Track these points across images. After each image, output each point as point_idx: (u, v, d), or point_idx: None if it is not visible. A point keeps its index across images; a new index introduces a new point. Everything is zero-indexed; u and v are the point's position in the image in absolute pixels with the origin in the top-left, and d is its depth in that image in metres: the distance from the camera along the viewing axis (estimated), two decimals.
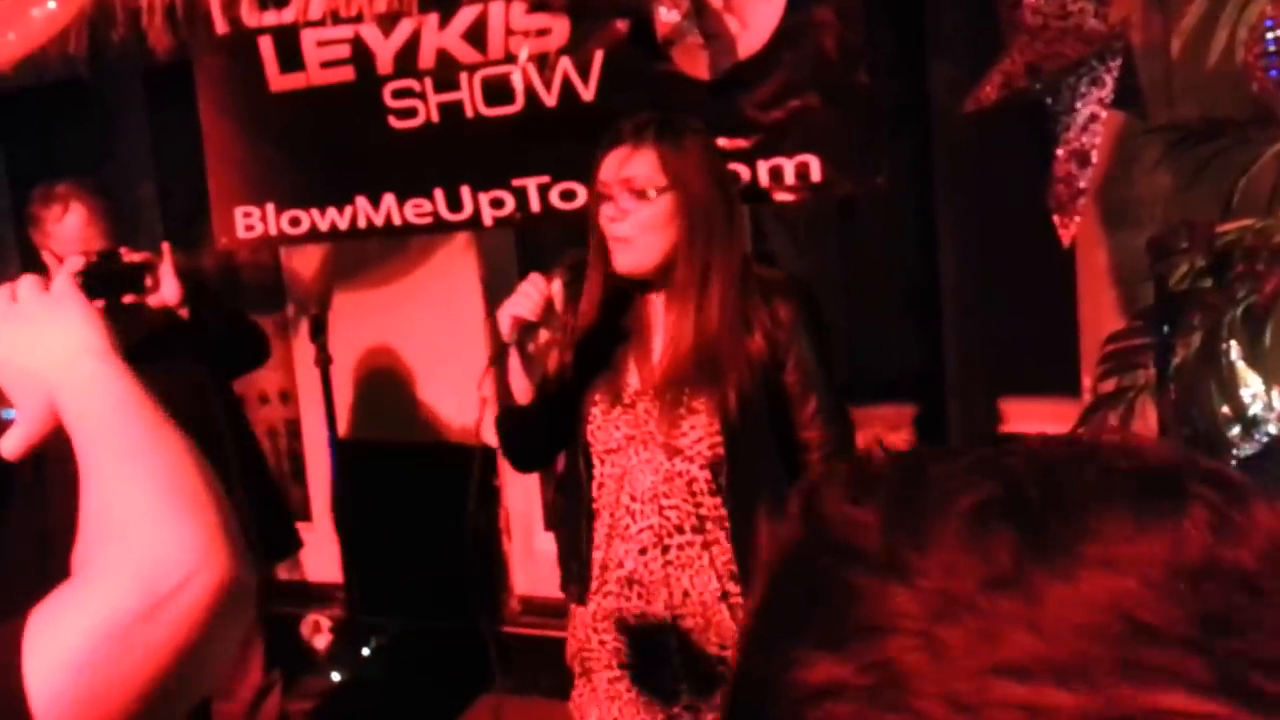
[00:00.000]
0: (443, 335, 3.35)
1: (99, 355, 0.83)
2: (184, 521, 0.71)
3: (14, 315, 0.86)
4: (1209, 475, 0.40)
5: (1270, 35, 1.83)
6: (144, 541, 0.70)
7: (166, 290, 2.40)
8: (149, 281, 2.39)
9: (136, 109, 3.74)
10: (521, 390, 1.90)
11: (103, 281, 2.37)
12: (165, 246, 2.46)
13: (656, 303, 1.93)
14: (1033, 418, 2.94)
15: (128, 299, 2.39)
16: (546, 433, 1.99)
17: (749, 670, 0.42)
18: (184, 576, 0.69)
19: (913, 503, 0.41)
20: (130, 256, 2.42)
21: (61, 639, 0.67)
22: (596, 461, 1.95)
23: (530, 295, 1.83)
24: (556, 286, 1.85)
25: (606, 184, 1.88)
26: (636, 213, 1.84)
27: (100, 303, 2.38)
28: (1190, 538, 0.38)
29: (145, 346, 2.41)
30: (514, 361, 1.88)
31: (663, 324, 1.92)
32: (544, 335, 1.88)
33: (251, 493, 2.63)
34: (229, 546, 0.71)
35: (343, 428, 3.40)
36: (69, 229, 2.47)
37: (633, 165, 1.86)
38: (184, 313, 2.43)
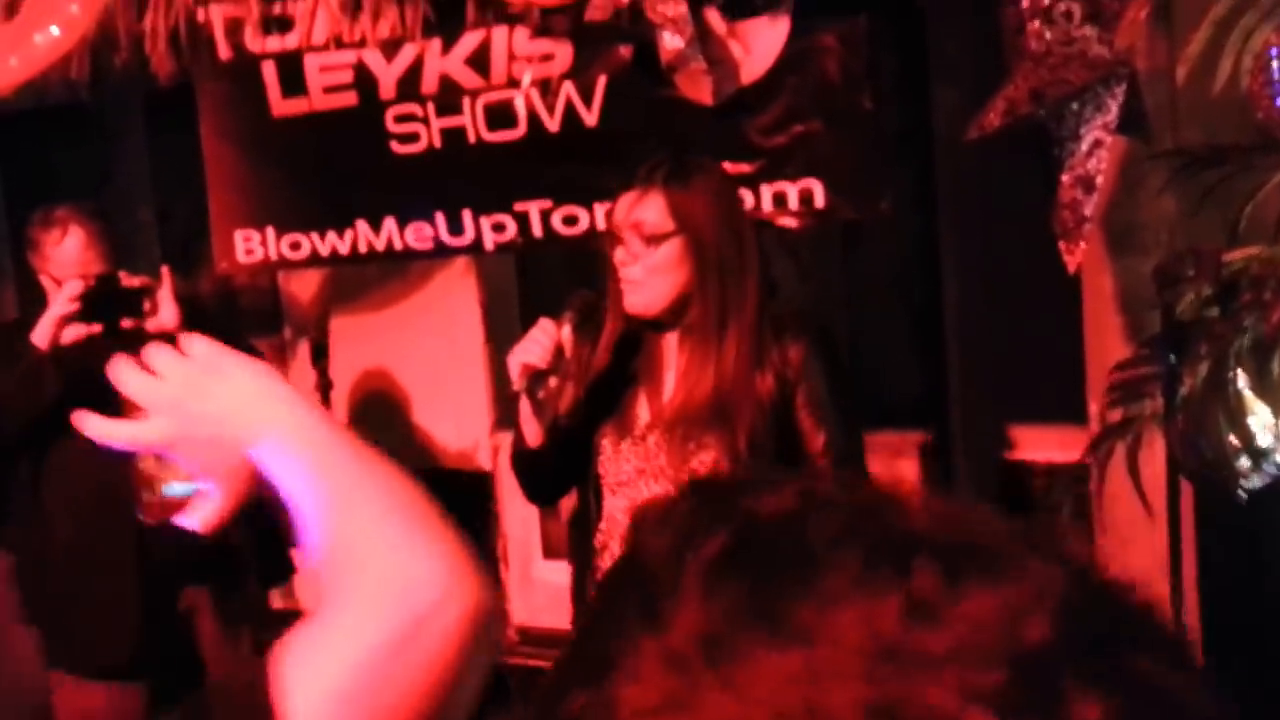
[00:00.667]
0: (441, 361, 3.37)
1: (289, 397, 0.80)
2: (430, 548, 0.70)
3: (174, 392, 0.82)
4: (953, 549, 0.39)
5: (1275, 63, 1.86)
6: (395, 568, 0.70)
7: (165, 315, 2.42)
8: (147, 306, 2.42)
9: (136, 132, 3.78)
10: (533, 434, 1.94)
11: (101, 306, 2.41)
12: (164, 271, 2.49)
13: (670, 341, 1.96)
14: (1039, 445, 2.96)
15: (126, 323, 2.42)
16: (560, 469, 2.02)
17: (549, 683, 0.42)
18: (438, 601, 0.68)
19: (683, 545, 0.40)
20: (129, 281, 2.45)
21: (324, 671, 0.66)
22: (607, 493, 1.97)
23: (540, 342, 1.86)
24: (566, 332, 1.88)
25: (618, 227, 1.92)
26: (645, 256, 1.88)
27: (98, 326, 2.46)
28: (884, 615, 0.36)
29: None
30: (524, 407, 1.92)
31: (675, 362, 1.95)
32: (554, 381, 1.91)
33: (250, 516, 2.64)
34: (476, 572, 0.71)
35: None
36: (67, 253, 2.48)
37: (641, 209, 1.89)
38: (176, 330, 2.46)
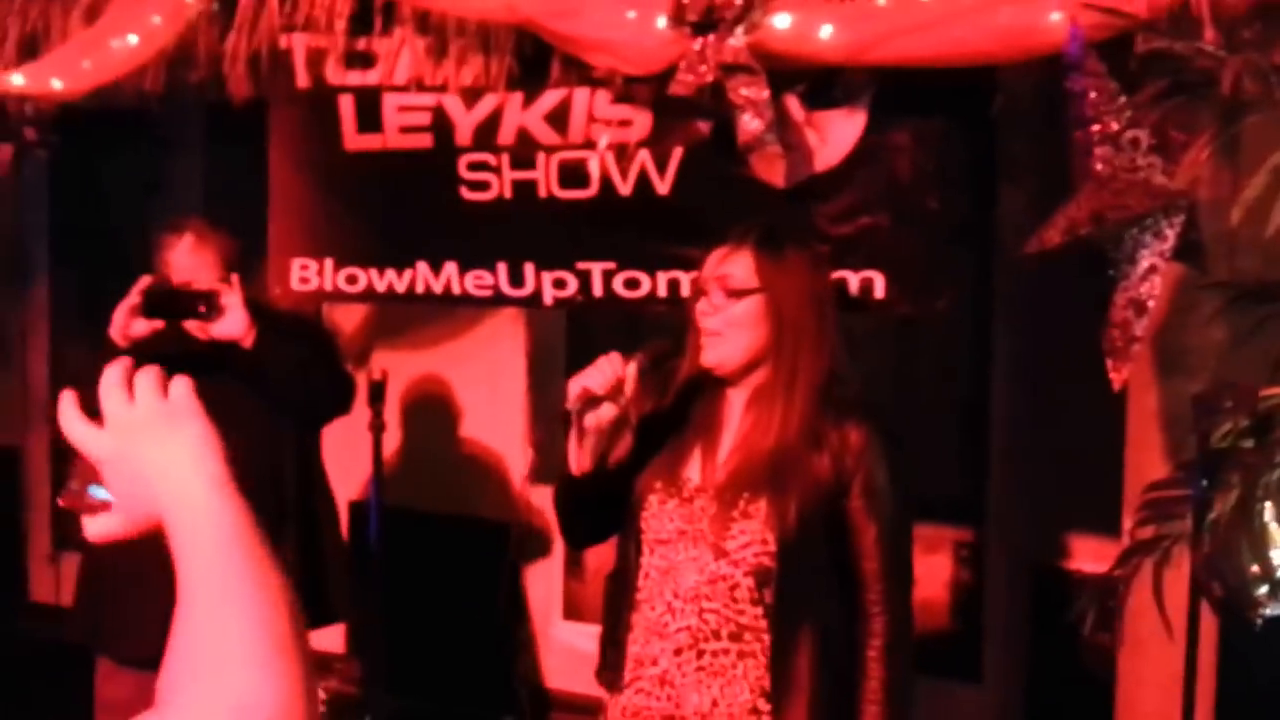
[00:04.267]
0: (480, 408, 3.66)
1: (213, 483, 0.91)
2: (273, 668, 0.81)
3: (132, 419, 0.94)
4: None
5: None
6: (234, 684, 0.80)
7: (232, 321, 2.77)
8: (204, 309, 2.77)
9: (192, 144, 4.12)
10: (575, 460, 2.12)
11: (166, 305, 2.77)
12: (234, 277, 2.83)
13: (735, 400, 2.18)
14: (1073, 553, 3.24)
15: (189, 324, 2.79)
16: (602, 511, 2.21)
17: None
18: None
19: None
20: (198, 285, 2.82)
21: None
22: (646, 550, 2.17)
23: (604, 371, 2.06)
24: (632, 369, 2.06)
25: (704, 280, 2.17)
26: (726, 309, 2.12)
27: (160, 323, 2.78)
28: None
29: (202, 372, 2.77)
30: (572, 432, 2.10)
31: (737, 422, 2.17)
32: (606, 413, 2.08)
33: (308, 555, 2.94)
34: (309, 697, 0.82)
35: (357, 491, 3.69)
36: (180, 260, 2.86)
37: (730, 264, 2.15)
38: (247, 343, 2.78)
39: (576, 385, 2.07)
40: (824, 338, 2.15)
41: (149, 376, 0.97)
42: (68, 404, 0.98)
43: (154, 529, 0.94)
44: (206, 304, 2.76)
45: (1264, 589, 2.29)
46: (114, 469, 0.96)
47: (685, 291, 2.72)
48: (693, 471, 2.17)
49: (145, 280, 2.81)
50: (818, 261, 2.30)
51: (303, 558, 2.94)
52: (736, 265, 2.15)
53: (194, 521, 0.90)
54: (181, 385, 0.97)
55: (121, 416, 0.96)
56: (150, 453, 0.94)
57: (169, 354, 2.84)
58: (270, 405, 2.89)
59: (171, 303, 2.79)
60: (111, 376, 0.97)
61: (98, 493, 0.98)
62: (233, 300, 2.77)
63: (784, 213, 2.72)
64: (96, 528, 0.98)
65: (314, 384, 2.91)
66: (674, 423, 2.21)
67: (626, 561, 2.22)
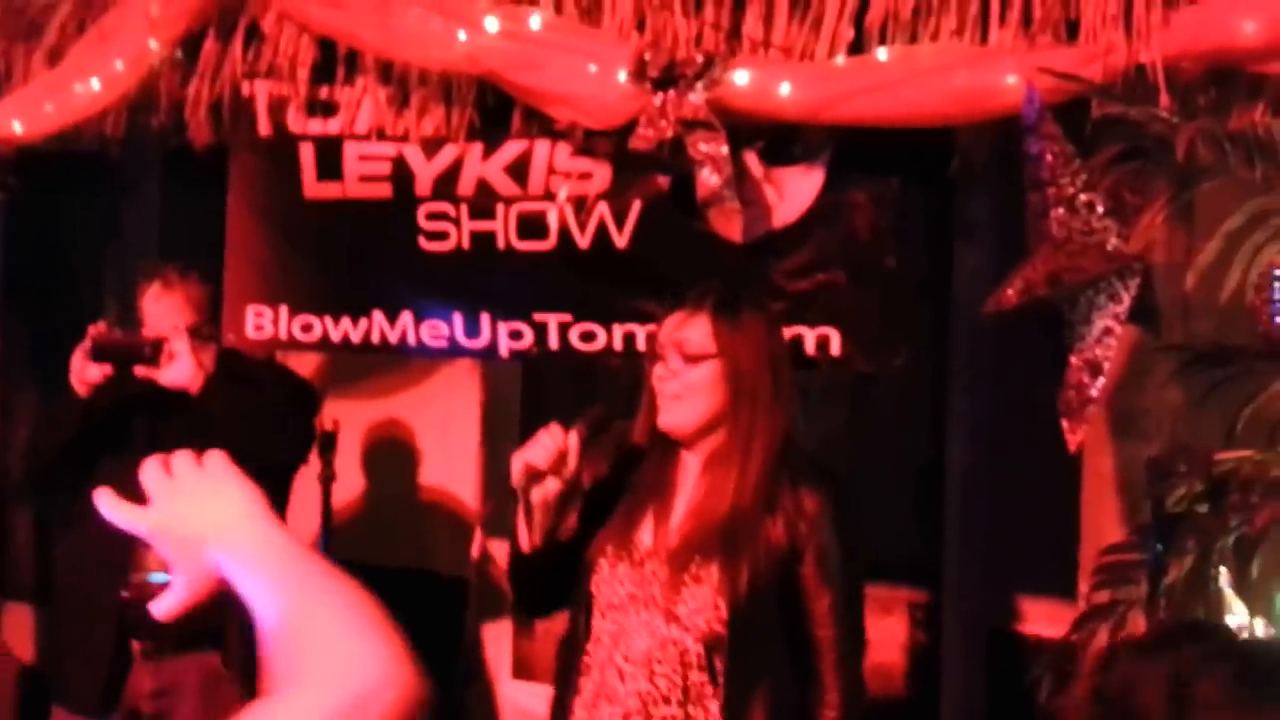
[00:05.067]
0: (433, 459, 3.62)
1: (260, 519, 1.00)
2: (373, 637, 0.87)
3: (173, 490, 1.02)
4: None
5: (1277, 284, 2.18)
6: (341, 653, 0.85)
7: (178, 368, 2.75)
8: (150, 353, 2.77)
9: (150, 189, 4.08)
10: (525, 538, 2.11)
11: (113, 350, 2.77)
12: (179, 329, 2.81)
13: (690, 463, 2.16)
14: (1030, 617, 3.20)
15: (138, 370, 2.79)
16: (554, 584, 2.19)
17: None
18: (379, 684, 0.84)
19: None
20: (146, 333, 2.83)
21: None
22: (597, 615, 2.14)
23: (545, 445, 2.05)
24: (573, 440, 2.06)
25: (661, 344, 2.16)
26: (683, 374, 2.11)
27: (109, 368, 2.76)
28: None
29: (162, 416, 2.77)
30: (520, 510, 2.09)
31: (691, 486, 2.15)
32: (551, 487, 2.08)
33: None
34: (413, 664, 0.87)
35: (309, 543, 3.63)
36: (151, 307, 2.87)
37: (687, 329, 2.14)
38: (194, 389, 2.78)
39: (519, 461, 2.07)
40: (780, 401, 2.15)
41: (184, 454, 1.05)
42: (105, 495, 1.04)
43: (215, 591, 1.00)
44: (153, 350, 2.76)
45: None
46: (165, 539, 1.02)
47: (641, 345, 2.71)
48: (645, 535, 2.16)
49: (96, 327, 2.79)
50: (774, 324, 2.30)
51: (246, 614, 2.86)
52: (694, 330, 2.14)
53: (253, 547, 0.97)
54: (217, 456, 1.05)
55: (164, 488, 1.03)
56: (196, 513, 1.00)
57: (130, 398, 2.83)
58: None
59: (118, 349, 2.78)
60: (150, 464, 1.05)
61: (157, 578, 1.05)
62: (180, 347, 2.76)
63: (741, 268, 2.72)
64: (163, 606, 1.02)
65: (259, 434, 2.87)
66: (626, 486, 2.19)
67: (577, 625, 2.20)
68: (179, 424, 2.71)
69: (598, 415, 2.17)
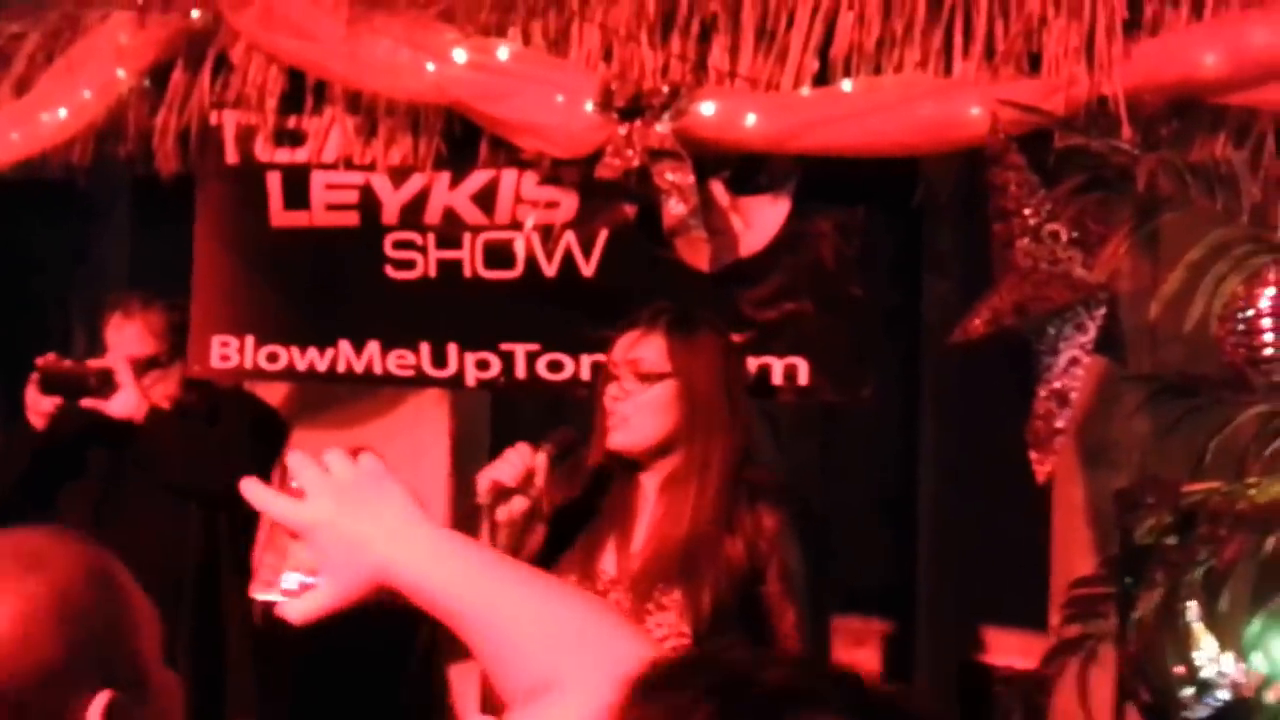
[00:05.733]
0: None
1: (430, 525, 0.94)
2: (608, 615, 0.86)
3: (334, 487, 0.96)
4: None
5: (1240, 315, 2.17)
6: (605, 639, 0.83)
7: (123, 399, 2.74)
8: (100, 386, 2.78)
9: (119, 216, 4.07)
10: None
11: (59, 382, 2.76)
12: (121, 359, 2.81)
13: (648, 487, 2.15)
14: (1002, 648, 3.19)
15: (85, 402, 2.80)
16: None
17: None
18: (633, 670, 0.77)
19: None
20: (92, 364, 2.83)
21: None
22: None
23: (512, 462, 2.05)
24: (541, 459, 2.06)
25: (614, 364, 2.15)
26: (638, 393, 2.11)
27: (58, 399, 2.74)
28: None
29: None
30: (484, 528, 2.07)
31: (650, 510, 2.14)
32: (518, 505, 2.08)
33: (204, 642, 2.86)
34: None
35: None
36: (114, 335, 2.89)
37: (640, 349, 2.14)
38: (138, 420, 2.77)
39: (486, 479, 2.06)
40: (736, 420, 2.15)
41: (336, 451, 1.00)
42: (254, 485, 0.99)
43: (369, 595, 0.94)
44: (99, 381, 2.75)
45: (1189, 691, 2.23)
46: (323, 536, 0.95)
47: None
48: (608, 563, 2.14)
49: (44, 358, 2.78)
50: (729, 344, 2.29)
51: (199, 644, 2.83)
52: (648, 349, 2.14)
53: (435, 554, 0.90)
54: (370, 457, 1.00)
55: (322, 484, 0.96)
56: (362, 512, 0.94)
57: (92, 427, 2.81)
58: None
59: (65, 381, 2.78)
60: (297, 457, 1.00)
61: (290, 579, 0.98)
62: (125, 378, 2.75)
63: (708, 297, 2.71)
64: (299, 608, 0.96)
65: (206, 465, 2.85)
66: (588, 514, 2.18)
67: None
68: (133, 454, 2.70)
69: (566, 436, 2.17)
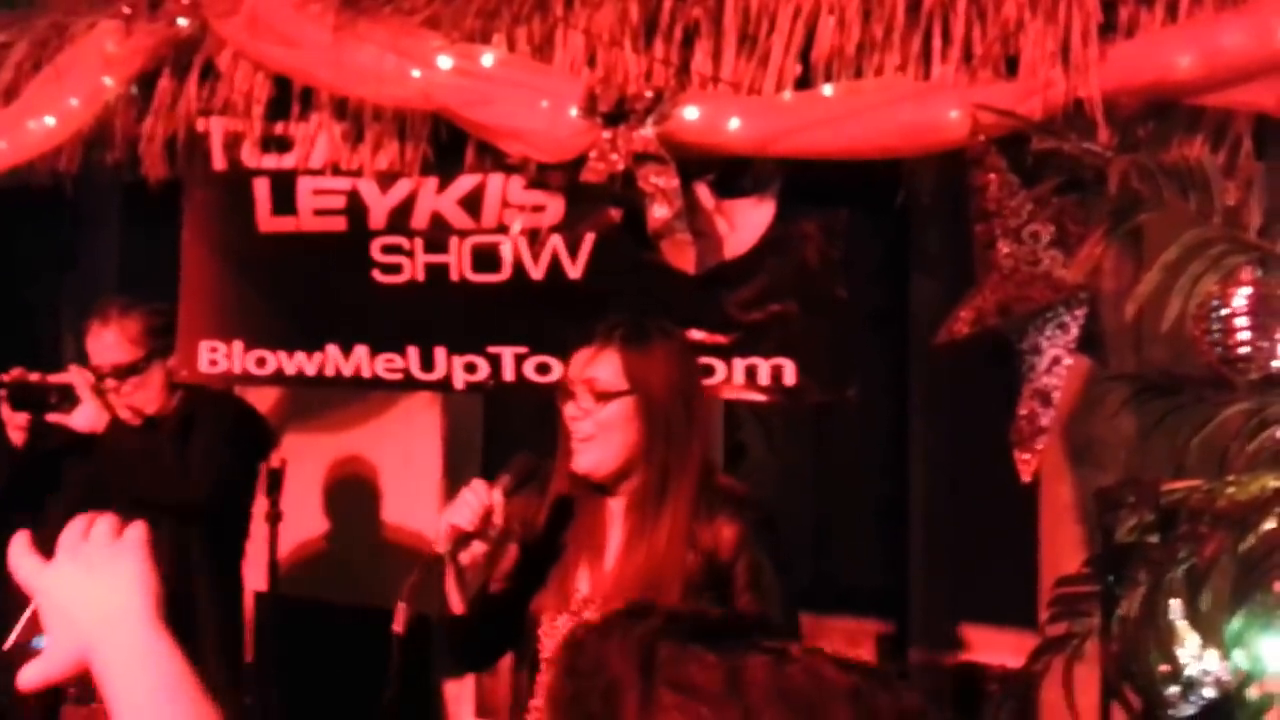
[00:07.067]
0: (394, 494, 3.63)
1: (143, 622, 0.96)
2: None
3: (77, 555, 0.99)
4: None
5: (1215, 315, 2.21)
6: None
7: (84, 412, 2.79)
8: (61, 400, 2.83)
9: (108, 222, 4.11)
10: (455, 602, 2.09)
11: (24, 396, 2.81)
12: (74, 369, 2.86)
13: (614, 509, 2.17)
14: (994, 647, 3.23)
15: (50, 416, 2.86)
16: (490, 636, 2.20)
17: None
18: None
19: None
20: (54, 378, 2.88)
21: None
22: (542, 667, 2.14)
23: (469, 504, 2.02)
24: (497, 496, 2.04)
25: (571, 382, 2.15)
26: (596, 412, 2.10)
27: (25, 416, 2.78)
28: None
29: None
30: (449, 573, 2.07)
31: (620, 530, 2.16)
32: (480, 548, 2.06)
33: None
34: None
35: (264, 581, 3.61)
36: (93, 343, 2.92)
37: (596, 366, 2.13)
38: (99, 431, 2.82)
39: (445, 525, 2.05)
40: (696, 430, 2.15)
41: (107, 519, 1.03)
42: (20, 541, 1.02)
43: (79, 671, 0.97)
44: (60, 396, 2.80)
45: (1173, 689, 2.27)
46: (45, 604, 0.99)
47: None
48: (582, 584, 2.17)
49: (10, 374, 2.84)
50: (684, 351, 2.29)
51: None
52: (603, 367, 2.14)
53: (124, 657, 0.93)
54: (137, 530, 1.02)
55: (72, 551, 1.00)
56: (84, 589, 0.97)
57: (76, 440, 2.85)
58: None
59: (30, 395, 2.84)
60: (76, 522, 1.02)
61: (38, 643, 1.01)
62: (84, 392, 2.80)
63: (694, 299, 2.75)
64: (28, 675, 0.99)
65: (157, 479, 2.87)
66: (561, 538, 2.19)
67: (519, 680, 2.20)
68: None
69: (523, 464, 2.14)
